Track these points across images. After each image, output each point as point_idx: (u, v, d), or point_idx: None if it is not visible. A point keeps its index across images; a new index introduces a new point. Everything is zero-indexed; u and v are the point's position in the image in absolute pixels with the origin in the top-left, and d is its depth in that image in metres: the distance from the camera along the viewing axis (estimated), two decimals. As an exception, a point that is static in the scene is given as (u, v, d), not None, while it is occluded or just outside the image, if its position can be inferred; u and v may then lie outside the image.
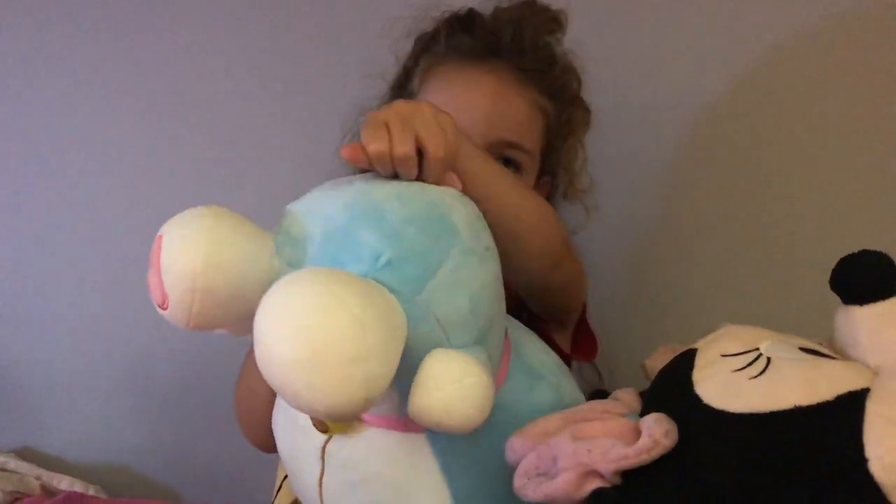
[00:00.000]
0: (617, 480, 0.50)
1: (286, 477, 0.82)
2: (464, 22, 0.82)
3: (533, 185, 0.83)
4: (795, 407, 0.47)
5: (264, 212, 0.59)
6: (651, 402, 0.56)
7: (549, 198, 0.88)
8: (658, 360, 0.61)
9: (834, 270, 0.52)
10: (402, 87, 0.84)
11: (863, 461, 0.44)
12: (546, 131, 0.81)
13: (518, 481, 0.53)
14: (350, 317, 0.46)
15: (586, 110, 0.87)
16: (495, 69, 0.78)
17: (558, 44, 0.84)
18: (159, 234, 0.55)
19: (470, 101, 0.77)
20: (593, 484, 0.50)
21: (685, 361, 0.55)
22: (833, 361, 0.51)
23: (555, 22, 0.83)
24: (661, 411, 0.51)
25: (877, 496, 0.44)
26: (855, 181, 0.95)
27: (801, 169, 0.96)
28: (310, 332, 0.46)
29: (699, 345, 0.57)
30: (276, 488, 0.84)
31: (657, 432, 0.49)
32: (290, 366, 0.46)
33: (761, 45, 0.97)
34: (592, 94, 0.88)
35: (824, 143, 0.96)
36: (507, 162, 0.77)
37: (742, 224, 0.98)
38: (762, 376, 0.50)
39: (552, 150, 0.83)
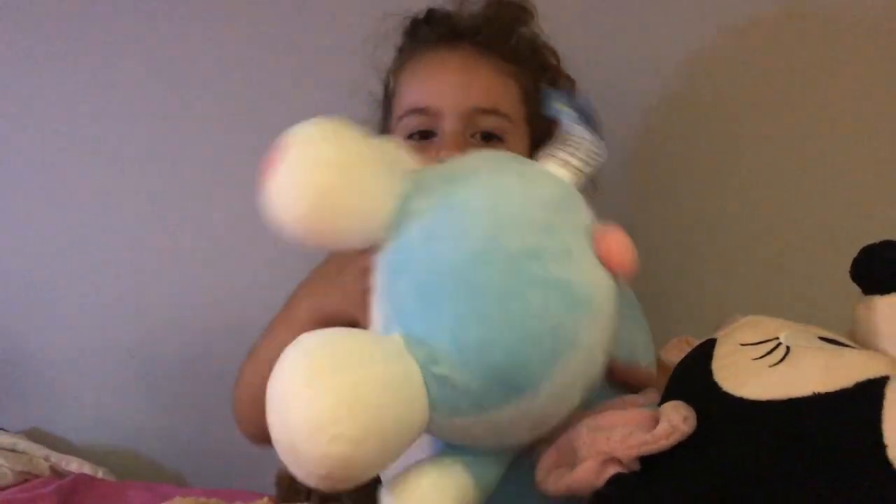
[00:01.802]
0: (636, 467, 0.51)
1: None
2: (423, 17, 0.87)
3: (527, 153, 0.81)
4: (814, 394, 0.47)
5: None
6: (670, 391, 0.56)
7: None
8: (672, 352, 0.62)
9: (855, 260, 0.53)
10: (385, 94, 0.88)
11: (881, 447, 0.44)
12: (525, 98, 0.82)
13: (539, 475, 0.54)
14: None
15: (569, 79, 0.88)
16: (457, 47, 0.81)
17: (527, 28, 0.86)
18: (286, 142, 0.52)
19: (437, 79, 0.80)
20: (613, 470, 0.51)
21: (704, 351, 0.56)
22: (852, 350, 0.51)
23: (523, 11, 0.86)
24: (681, 399, 0.52)
25: (895, 482, 0.44)
26: (870, 172, 0.94)
27: (818, 159, 0.96)
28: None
29: (718, 335, 0.57)
30: None
31: (676, 418, 0.50)
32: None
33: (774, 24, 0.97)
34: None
35: (844, 133, 0.95)
36: (489, 136, 0.78)
37: (755, 217, 0.98)
38: (781, 364, 0.50)
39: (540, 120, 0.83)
